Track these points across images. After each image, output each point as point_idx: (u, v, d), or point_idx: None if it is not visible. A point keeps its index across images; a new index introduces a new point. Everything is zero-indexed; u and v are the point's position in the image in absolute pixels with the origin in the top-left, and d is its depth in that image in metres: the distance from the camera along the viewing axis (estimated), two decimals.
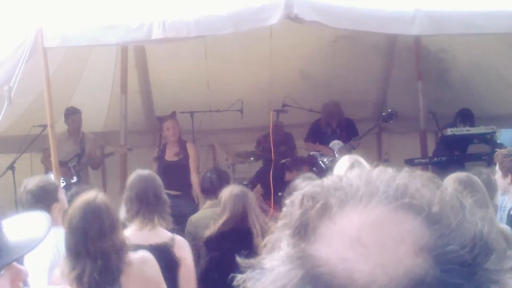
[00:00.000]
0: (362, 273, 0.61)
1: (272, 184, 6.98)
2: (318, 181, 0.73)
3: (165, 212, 3.88)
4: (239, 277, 0.71)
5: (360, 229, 0.64)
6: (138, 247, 3.69)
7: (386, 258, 0.62)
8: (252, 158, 8.27)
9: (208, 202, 5.39)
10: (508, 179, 4.17)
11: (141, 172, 4.04)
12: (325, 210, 0.67)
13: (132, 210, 3.86)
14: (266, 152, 7.93)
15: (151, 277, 3.09)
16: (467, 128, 8.07)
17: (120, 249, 3.00)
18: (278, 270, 0.66)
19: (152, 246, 3.71)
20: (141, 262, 3.09)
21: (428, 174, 0.71)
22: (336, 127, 8.40)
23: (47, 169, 7.65)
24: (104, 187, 8.46)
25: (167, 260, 3.68)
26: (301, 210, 0.69)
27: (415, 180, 0.69)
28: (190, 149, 7.68)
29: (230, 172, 8.48)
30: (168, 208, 3.94)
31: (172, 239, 3.77)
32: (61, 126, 7.72)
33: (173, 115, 7.94)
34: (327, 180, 0.72)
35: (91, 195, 3.12)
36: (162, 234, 3.78)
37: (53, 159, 5.89)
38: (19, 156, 7.49)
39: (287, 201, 0.73)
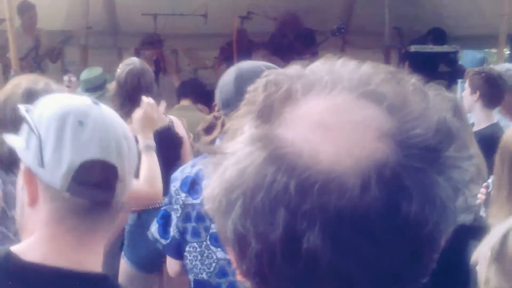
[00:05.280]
0: (327, 154, 0.61)
1: None
2: (281, 70, 0.72)
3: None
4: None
5: (324, 113, 0.64)
6: None
7: (350, 141, 0.62)
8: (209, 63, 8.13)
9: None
10: (475, 96, 4.25)
11: (134, 63, 3.87)
12: (289, 95, 0.67)
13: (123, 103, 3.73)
14: (229, 60, 7.84)
15: None
16: (431, 46, 8.09)
17: None
18: (241, 152, 0.65)
19: (158, 131, 3.67)
20: None
21: (392, 68, 0.72)
22: (294, 39, 8.24)
23: (5, 67, 7.44)
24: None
25: (173, 140, 3.79)
26: (264, 94, 0.69)
27: (378, 71, 0.69)
28: None
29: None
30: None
31: (171, 120, 3.82)
32: (16, 22, 7.45)
33: None
34: (290, 69, 0.72)
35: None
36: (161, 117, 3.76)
37: (13, 54, 5.73)
38: None
39: (250, 88, 0.72)
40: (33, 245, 1.26)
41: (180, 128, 3.91)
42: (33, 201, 1.25)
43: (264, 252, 0.63)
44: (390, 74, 0.69)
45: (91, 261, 1.27)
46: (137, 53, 7.53)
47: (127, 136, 1.29)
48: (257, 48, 8.21)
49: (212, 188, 0.68)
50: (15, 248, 1.25)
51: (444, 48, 8.10)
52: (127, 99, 3.70)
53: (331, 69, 0.70)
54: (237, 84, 2.33)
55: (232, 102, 2.33)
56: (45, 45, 7.61)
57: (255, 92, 0.70)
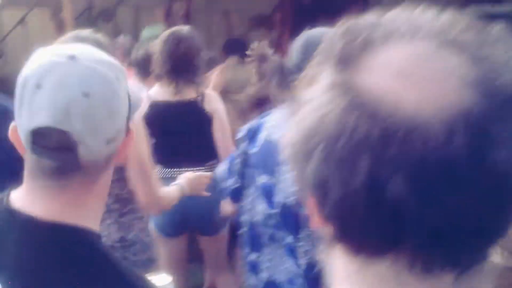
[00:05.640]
0: (409, 101, 0.61)
1: None
2: (356, 19, 0.72)
3: (195, 77, 3.73)
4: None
5: (405, 61, 0.64)
6: (164, 103, 3.70)
7: (433, 89, 0.61)
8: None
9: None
10: None
11: (178, 29, 3.83)
12: (368, 43, 0.66)
13: (160, 68, 3.73)
14: (283, 21, 7.74)
15: None
16: (490, 6, 7.82)
17: None
18: (320, 99, 0.65)
19: (179, 102, 3.68)
20: None
21: (471, 18, 0.70)
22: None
23: (59, 26, 7.53)
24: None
25: (198, 115, 3.69)
26: (343, 42, 0.68)
27: (459, 19, 0.68)
28: None
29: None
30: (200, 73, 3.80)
31: (202, 95, 3.70)
32: None
33: None
34: (366, 18, 0.71)
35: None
36: (189, 93, 3.70)
37: (67, 14, 5.79)
38: (30, 11, 7.34)
39: (325, 37, 0.72)
40: (15, 193, 1.30)
41: (211, 103, 3.75)
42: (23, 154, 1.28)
43: (346, 199, 0.63)
44: (471, 23, 0.68)
45: (68, 213, 1.26)
46: (168, 11, 7.51)
47: (93, 93, 1.20)
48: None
49: (290, 135, 0.68)
50: (11, 193, 1.31)
51: (506, 7, 7.81)
52: (169, 65, 3.70)
53: (410, 17, 0.69)
54: (305, 49, 2.40)
55: (300, 67, 2.39)
56: (98, 6, 7.67)
57: (333, 40, 0.70)
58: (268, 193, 2.64)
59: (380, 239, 0.64)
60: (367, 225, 0.64)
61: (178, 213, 3.42)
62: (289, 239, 2.62)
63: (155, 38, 4.96)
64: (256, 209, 2.73)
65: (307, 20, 6.11)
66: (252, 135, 2.74)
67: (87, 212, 1.30)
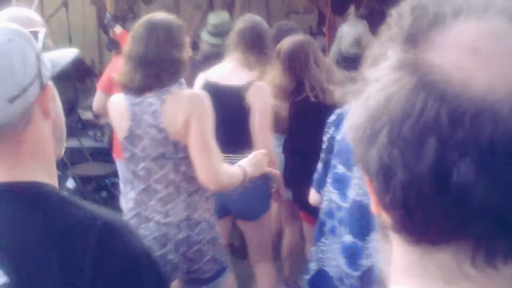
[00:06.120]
0: (479, 82, 0.58)
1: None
2: None
3: (253, 62, 3.74)
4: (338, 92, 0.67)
5: (477, 38, 0.60)
6: (213, 85, 3.69)
7: (506, 69, 0.58)
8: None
9: None
10: None
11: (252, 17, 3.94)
12: (438, 19, 0.63)
13: (233, 43, 3.79)
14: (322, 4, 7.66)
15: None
16: None
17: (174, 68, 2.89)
18: (387, 78, 0.63)
19: (226, 86, 3.66)
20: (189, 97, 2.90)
21: None
22: None
23: (100, 9, 7.59)
24: None
25: (237, 104, 3.63)
26: (411, 19, 0.65)
27: None
28: None
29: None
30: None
31: (249, 83, 3.62)
32: None
33: None
34: None
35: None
36: (244, 77, 3.67)
37: None
38: None
39: (392, 13, 0.68)
40: None
41: (254, 95, 3.62)
42: None
43: (411, 183, 0.61)
44: None
45: (8, 173, 1.31)
46: None
47: None
48: None
49: (355, 116, 0.66)
50: None
51: None
52: (246, 48, 3.74)
53: None
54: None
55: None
56: None
57: (400, 16, 0.67)
58: (342, 184, 2.59)
59: (444, 227, 0.62)
60: (431, 212, 0.61)
61: (218, 196, 3.41)
62: (347, 238, 2.58)
63: (226, 24, 4.94)
64: (327, 196, 2.68)
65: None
66: (339, 122, 2.68)
67: (31, 169, 1.34)
